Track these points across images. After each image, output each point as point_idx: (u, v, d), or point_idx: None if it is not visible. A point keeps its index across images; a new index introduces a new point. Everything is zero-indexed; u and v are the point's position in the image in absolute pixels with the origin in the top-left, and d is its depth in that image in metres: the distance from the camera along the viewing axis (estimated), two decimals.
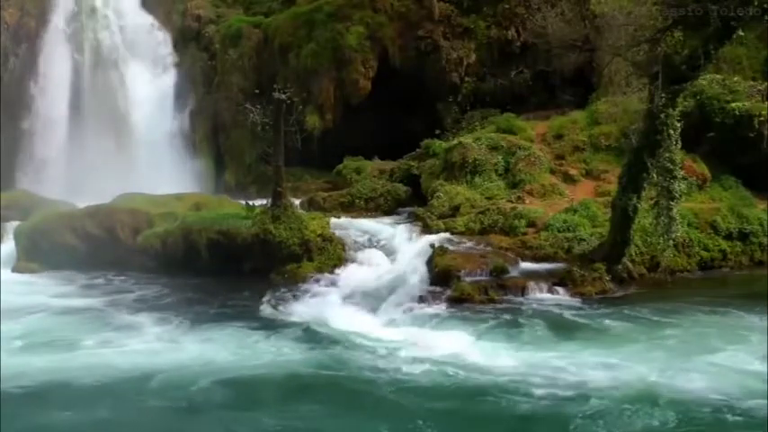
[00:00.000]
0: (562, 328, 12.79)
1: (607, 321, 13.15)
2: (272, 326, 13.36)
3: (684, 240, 16.44)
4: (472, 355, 11.39)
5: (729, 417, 9.13)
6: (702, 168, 19.02)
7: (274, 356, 11.69)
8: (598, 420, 9.11)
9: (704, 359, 11.07)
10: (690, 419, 9.10)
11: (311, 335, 12.81)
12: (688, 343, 11.88)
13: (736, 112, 19.10)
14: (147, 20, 29.73)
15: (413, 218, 19.10)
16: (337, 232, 17.66)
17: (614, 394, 9.82)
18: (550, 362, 11.07)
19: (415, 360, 11.22)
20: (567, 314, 13.70)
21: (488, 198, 19.06)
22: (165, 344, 12.37)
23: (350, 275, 16.15)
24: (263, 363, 11.40)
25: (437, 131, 24.77)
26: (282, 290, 15.46)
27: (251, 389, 10.58)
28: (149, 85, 28.39)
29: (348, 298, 14.86)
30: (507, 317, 13.51)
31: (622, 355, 11.30)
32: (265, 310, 14.46)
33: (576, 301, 14.43)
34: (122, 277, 17.21)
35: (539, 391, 9.98)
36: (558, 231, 17.02)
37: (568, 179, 19.98)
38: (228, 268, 16.72)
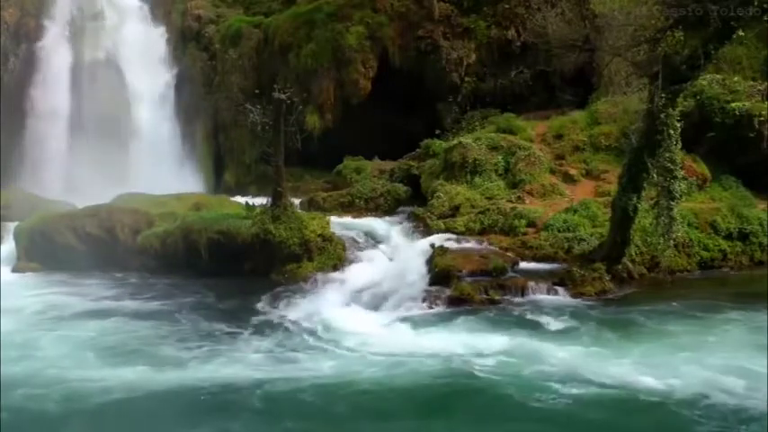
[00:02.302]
0: (623, 330, 12.49)
1: (656, 322, 12.95)
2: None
3: (684, 240, 16.42)
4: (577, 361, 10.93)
5: None
6: (702, 168, 19.01)
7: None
8: None
9: None
10: None
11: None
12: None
13: (736, 112, 19.08)
14: (147, 20, 29.77)
15: (413, 218, 19.08)
16: (337, 232, 17.66)
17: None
18: (660, 366, 10.62)
19: (527, 373, 10.69)
20: (609, 315, 13.44)
21: (488, 198, 19.04)
22: (262, 353, 11.85)
23: (350, 275, 16.15)
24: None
25: (437, 131, 24.77)
26: (287, 290, 15.43)
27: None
28: (149, 84, 28.39)
29: (348, 298, 14.86)
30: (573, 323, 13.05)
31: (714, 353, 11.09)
32: (265, 309, 14.48)
33: (590, 301, 14.34)
34: (167, 280, 16.84)
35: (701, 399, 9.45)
36: (558, 231, 17.02)
37: (568, 179, 19.97)
38: (228, 268, 16.72)
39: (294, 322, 13.60)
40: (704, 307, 13.54)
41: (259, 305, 14.69)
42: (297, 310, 14.26)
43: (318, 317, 13.72)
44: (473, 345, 11.84)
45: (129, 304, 15.01)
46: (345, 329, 12.96)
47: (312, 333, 12.92)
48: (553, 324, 13.01)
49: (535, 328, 12.88)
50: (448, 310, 14.11)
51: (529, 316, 13.52)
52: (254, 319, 13.82)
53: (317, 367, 11.17)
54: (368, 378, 10.64)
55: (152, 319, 13.90)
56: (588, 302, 14.29)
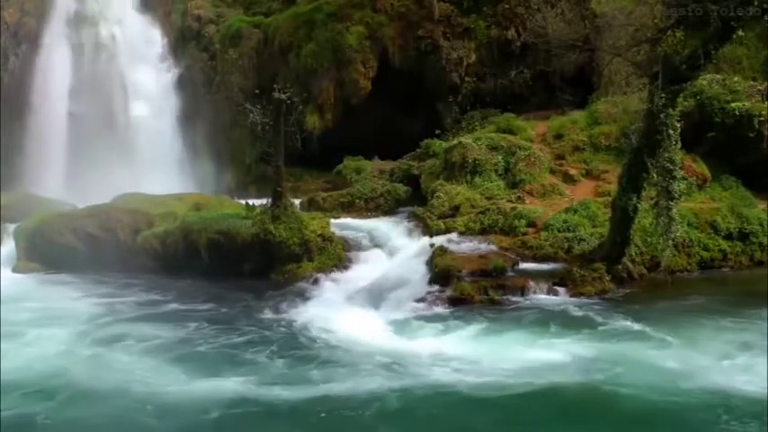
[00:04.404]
0: (689, 329, 12.22)
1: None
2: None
3: (684, 240, 16.41)
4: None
5: None
6: (702, 168, 19.01)
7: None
8: None
9: None
10: None
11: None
12: None
13: (736, 112, 19.07)
14: (147, 20, 29.79)
15: (413, 218, 19.08)
16: (337, 232, 17.65)
17: None
18: None
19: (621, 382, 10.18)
20: (650, 314, 13.10)
21: (488, 198, 19.04)
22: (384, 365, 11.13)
23: (350, 276, 16.14)
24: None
25: (437, 131, 24.78)
26: (287, 291, 15.31)
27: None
28: (149, 85, 28.42)
29: (349, 298, 14.85)
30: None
31: None
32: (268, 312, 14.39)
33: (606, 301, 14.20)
34: (188, 281, 16.48)
35: None
36: (558, 231, 17.01)
37: (568, 179, 19.96)
38: (228, 268, 16.72)
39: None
40: (737, 303, 13.39)
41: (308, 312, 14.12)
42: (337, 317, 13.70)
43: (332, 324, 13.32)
44: (557, 349, 11.51)
45: (183, 308, 14.52)
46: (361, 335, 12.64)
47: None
48: (610, 325, 12.64)
49: (585, 328, 12.47)
50: (448, 309, 14.06)
51: (574, 315, 13.28)
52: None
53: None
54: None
55: (222, 324, 13.30)
56: (607, 302, 14.12)
